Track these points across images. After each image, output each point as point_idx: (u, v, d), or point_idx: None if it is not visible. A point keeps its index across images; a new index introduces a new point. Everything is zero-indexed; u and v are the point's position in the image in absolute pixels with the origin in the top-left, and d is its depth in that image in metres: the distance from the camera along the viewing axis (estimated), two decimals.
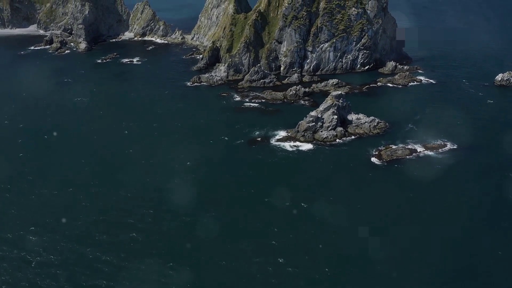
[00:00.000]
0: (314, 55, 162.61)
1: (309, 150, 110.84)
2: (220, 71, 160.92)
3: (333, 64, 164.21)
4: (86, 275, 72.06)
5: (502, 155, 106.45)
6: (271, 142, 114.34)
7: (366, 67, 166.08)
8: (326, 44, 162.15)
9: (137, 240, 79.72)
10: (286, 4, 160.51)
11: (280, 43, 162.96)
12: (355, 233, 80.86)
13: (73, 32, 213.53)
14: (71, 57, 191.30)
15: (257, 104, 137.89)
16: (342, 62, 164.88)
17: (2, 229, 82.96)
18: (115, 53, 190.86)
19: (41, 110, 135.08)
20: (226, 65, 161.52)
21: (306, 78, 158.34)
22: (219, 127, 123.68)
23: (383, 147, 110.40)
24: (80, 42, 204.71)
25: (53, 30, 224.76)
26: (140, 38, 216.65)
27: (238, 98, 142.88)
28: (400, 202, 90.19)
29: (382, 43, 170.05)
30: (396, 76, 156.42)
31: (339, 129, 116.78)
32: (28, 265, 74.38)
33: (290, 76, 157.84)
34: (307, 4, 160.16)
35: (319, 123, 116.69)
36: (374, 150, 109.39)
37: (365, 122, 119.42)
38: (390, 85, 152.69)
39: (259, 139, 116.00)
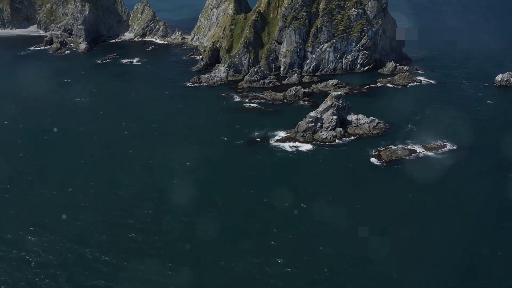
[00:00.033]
0: (313, 56, 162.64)
1: (309, 150, 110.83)
2: (220, 72, 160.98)
3: (333, 65, 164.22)
4: (85, 276, 72.03)
5: (501, 155, 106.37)
6: (270, 142, 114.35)
7: (366, 68, 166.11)
8: (326, 45, 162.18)
9: (136, 240, 79.70)
10: (286, 5, 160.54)
11: (280, 43, 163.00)
12: (355, 234, 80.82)
13: (73, 32, 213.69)
14: (71, 58, 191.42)
15: (257, 105, 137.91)
16: (342, 62, 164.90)
17: (1, 229, 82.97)
18: (115, 54, 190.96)
19: (41, 111, 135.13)
20: (226, 65, 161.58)
21: (305, 79, 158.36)
22: (218, 127, 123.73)
23: (383, 147, 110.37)
24: (80, 43, 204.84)
25: (53, 30, 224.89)
26: (140, 39, 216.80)
27: (237, 99, 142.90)
28: (400, 202, 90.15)
29: (382, 43, 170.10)
30: (396, 77, 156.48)
31: (339, 129, 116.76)
32: (27, 265, 74.36)
33: (290, 77, 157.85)
34: (306, 4, 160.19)
35: (319, 124, 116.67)
36: (373, 150, 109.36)
37: (365, 122, 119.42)
38: (390, 85, 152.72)
39: (258, 139, 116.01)
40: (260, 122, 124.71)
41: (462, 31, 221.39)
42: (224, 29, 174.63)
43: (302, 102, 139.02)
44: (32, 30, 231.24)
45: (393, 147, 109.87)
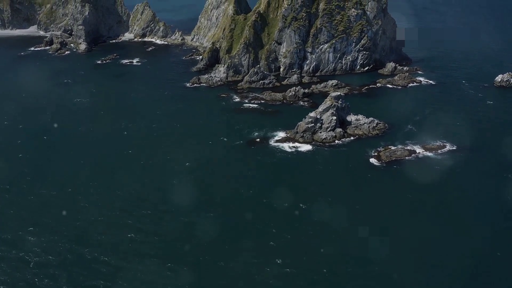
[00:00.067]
0: (313, 56, 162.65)
1: (308, 151, 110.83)
2: (220, 72, 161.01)
3: (333, 65, 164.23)
4: (84, 276, 72.04)
5: (501, 156, 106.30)
6: (270, 143, 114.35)
7: (366, 68, 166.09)
8: (326, 45, 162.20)
9: (136, 241, 79.72)
10: (286, 5, 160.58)
11: (280, 44, 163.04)
12: (354, 234, 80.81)
13: (73, 33, 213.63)
14: (71, 58, 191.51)
15: (257, 105, 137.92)
16: (342, 63, 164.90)
17: (1, 229, 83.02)
18: (115, 54, 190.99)
19: (41, 111, 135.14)
20: (225, 66, 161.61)
21: (305, 79, 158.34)
22: (218, 128, 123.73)
23: (382, 148, 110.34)
24: (80, 43, 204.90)
25: (53, 31, 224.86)
26: (140, 39, 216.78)
27: (237, 99, 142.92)
28: (399, 202, 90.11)
29: (382, 44, 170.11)
30: (396, 77, 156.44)
31: (338, 130, 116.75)
32: (27, 266, 74.38)
33: (290, 77, 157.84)
34: (306, 5, 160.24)
35: (318, 124, 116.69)
36: (373, 151, 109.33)
37: (364, 123, 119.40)
38: (390, 86, 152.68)
39: (258, 140, 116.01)
40: (259, 123, 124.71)
41: (462, 31, 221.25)
42: (224, 29, 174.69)
43: (301, 103, 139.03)
44: (32, 30, 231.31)
45: (393, 148, 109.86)
